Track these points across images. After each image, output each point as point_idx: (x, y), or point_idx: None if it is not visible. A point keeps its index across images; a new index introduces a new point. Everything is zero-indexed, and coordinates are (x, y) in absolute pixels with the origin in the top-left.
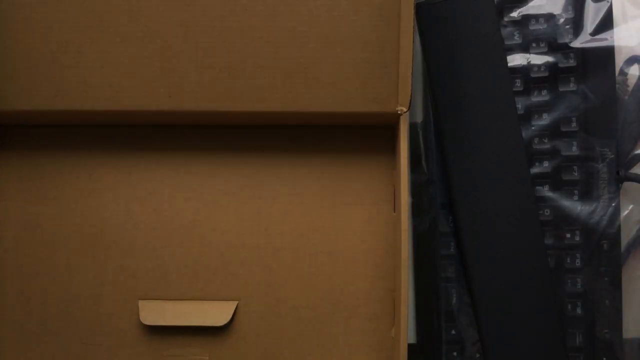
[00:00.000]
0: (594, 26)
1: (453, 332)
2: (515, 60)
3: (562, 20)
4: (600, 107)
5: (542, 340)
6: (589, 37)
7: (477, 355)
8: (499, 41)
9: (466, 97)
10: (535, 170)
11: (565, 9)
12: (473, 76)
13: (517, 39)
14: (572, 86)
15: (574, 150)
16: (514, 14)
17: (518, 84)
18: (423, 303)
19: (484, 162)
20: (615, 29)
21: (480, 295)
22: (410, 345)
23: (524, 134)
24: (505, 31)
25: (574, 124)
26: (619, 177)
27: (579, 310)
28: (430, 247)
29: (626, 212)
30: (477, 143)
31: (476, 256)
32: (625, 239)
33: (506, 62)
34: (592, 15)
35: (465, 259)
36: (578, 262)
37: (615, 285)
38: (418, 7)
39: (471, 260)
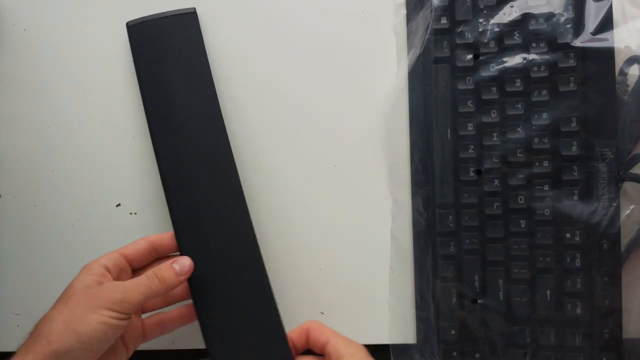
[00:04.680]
0: (594, 26)
1: (453, 332)
2: (516, 60)
3: (562, 19)
4: (600, 107)
5: (261, 331)
6: (589, 37)
7: (477, 355)
8: (203, 53)
9: (175, 106)
10: (535, 170)
11: (565, 9)
12: (180, 87)
13: (517, 39)
14: (572, 86)
15: (574, 150)
16: (515, 13)
17: (518, 84)
18: (422, 303)
19: (194, 164)
20: (615, 30)
21: (196, 289)
22: (410, 346)
23: (524, 134)
24: (505, 31)
25: (574, 124)
26: (619, 177)
27: (578, 310)
28: (428, 246)
29: (627, 212)
30: (187, 149)
31: (191, 251)
32: (625, 239)
33: (210, 74)
34: (592, 15)
35: (181, 253)
36: (578, 262)
37: (616, 285)
38: (128, 28)
39: (186, 253)
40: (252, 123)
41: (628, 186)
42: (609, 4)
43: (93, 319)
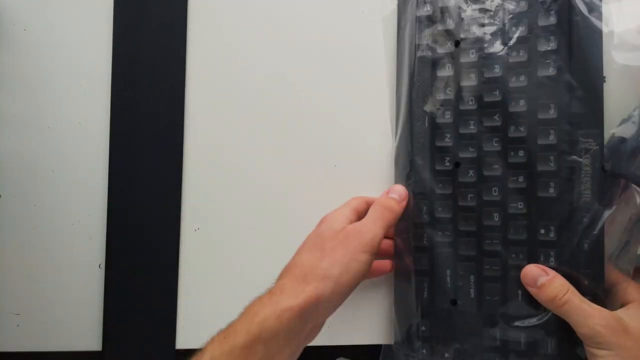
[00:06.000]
0: (581, 7)
1: (423, 328)
2: (496, 46)
3: (546, 2)
4: (584, 94)
5: None
6: (574, 18)
7: (446, 355)
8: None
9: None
10: (511, 160)
11: None
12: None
13: (497, 23)
14: (551, 71)
15: (551, 139)
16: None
17: (497, 70)
18: (399, 298)
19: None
20: (604, 9)
21: None
22: (389, 346)
23: (500, 122)
24: (485, 15)
25: (552, 111)
26: (605, 172)
27: (552, 315)
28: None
29: (610, 211)
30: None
31: None
32: (609, 241)
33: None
34: None
35: None
36: (552, 261)
37: (597, 288)
38: None
39: None
40: (248, 122)
41: (613, 182)
42: None
43: (355, 261)
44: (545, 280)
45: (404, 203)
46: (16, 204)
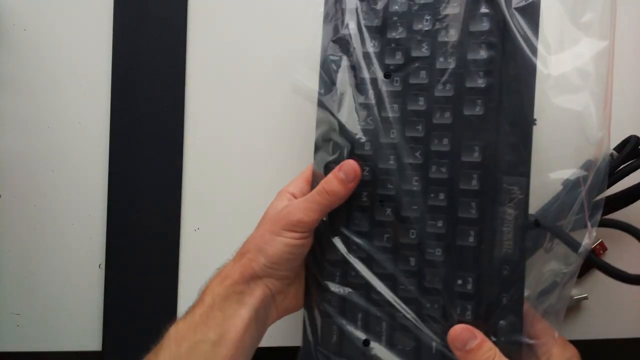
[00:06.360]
0: (515, 44)
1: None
2: (421, 76)
3: (477, 34)
4: (513, 137)
5: None
6: (510, 55)
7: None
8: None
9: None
10: (430, 202)
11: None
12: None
13: (425, 51)
14: (478, 110)
15: (474, 184)
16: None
17: (421, 103)
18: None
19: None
20: (540, 49)
21: None
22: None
23: (422, 160)
24: (413, 41)
25: (476, 154)
26: (528, 223)
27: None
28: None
29: (533, 265)
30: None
31: None
32: (532, 289)
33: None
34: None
35: None
36: (468, 315)
37: (514, 345)
38: None
39: None
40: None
41: (537, 235)
42: (538, 12)
43: (278, 241)
44: (474, 345)
45: (352, 185)
46: (16, 204)
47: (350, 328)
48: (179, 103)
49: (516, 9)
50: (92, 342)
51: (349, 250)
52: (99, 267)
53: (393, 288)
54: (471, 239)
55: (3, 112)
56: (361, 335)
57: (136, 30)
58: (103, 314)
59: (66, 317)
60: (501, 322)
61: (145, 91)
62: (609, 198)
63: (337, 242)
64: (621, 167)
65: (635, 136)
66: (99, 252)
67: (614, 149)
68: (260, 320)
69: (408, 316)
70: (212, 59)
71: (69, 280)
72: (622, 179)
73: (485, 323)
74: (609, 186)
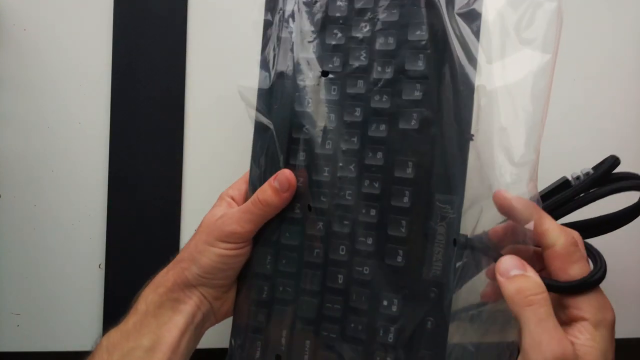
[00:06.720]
0: (455, 56)
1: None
2: (359, 85)
3: (415, 43)
4: (448, 154)
5: None
6: (449, 67)
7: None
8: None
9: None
10: (361, 218)
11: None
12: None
13: (363, 59)
14: (413, 124)
15: (405, 202)
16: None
17: (357, 114)
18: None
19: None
20: (480, 60)
21: None
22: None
23: (355, 174)
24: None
25: (409, 170)
26: (459, 244)
27: None
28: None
29: (461, 288)
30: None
31: None
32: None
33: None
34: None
35: None
36: (390, 338)
37: None
38: None
39: None
40: None
41: (469, 256)
42: (478, 26)
43: (211, 251)
44: (519, 273)
45: (286, 195)
46: (16, 204)
47: (274, 345)
48: (179, 103)
49: (458, 14)
50: (92, 342)
51: (278, 264)
52: (99, 267)
53: (319, 306)
54: (399, 259)
55: (3, 112)
56: (285, 353)
57: (136, 30)
58: (103, 314)
59: (66, 317)
60: (423, 351)
61: (145, 91)
62: (587, 222)
63: (266, 254)
64: (590, 191)
65: (613, 156)
66: (99, 252)
67: (593, 168)
68: (197, 325)
69: (332, 336)
70: (212, 58)
71: (69, 280)
72: (584, 205)
73: (407, 348)
74: (573, 210)
